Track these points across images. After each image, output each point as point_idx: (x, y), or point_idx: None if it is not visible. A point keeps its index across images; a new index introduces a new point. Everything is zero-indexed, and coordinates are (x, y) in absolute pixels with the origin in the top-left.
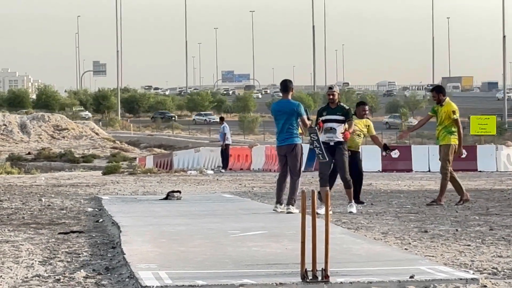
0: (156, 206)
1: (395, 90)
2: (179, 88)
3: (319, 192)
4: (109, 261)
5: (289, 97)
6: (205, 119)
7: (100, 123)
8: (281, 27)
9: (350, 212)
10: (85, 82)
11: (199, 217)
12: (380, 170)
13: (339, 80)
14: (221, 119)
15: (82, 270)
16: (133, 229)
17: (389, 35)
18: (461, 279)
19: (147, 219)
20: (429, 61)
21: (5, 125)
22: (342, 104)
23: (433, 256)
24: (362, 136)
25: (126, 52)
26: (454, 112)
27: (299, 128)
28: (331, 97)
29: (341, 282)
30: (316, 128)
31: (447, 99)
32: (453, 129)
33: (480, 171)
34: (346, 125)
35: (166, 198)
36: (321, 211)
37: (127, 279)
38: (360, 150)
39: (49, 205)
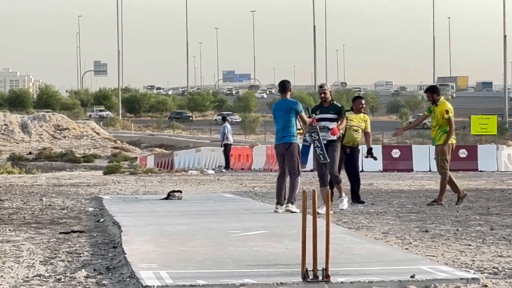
0: (157, 206)
1: (392, 90)
2: (182, 88)
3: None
4: (110, 261)
5: (288, 96)
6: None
7: (101, 122)
8: (281, 27)
9: (341, 210)
10: (86, 82)
11: (200, 216)
12: (381, 170)
13: (340, 79)
14: (224, 118)
15: (83, 270)
16: (134, 228)
17: (390, 35)
18: (462, 278)
19: (148, 219)
20: (430, 61)
21: (6, 125)
22: (335, 102)
23: (434, 256)
24: (360, 131)
25: (127, 52)
26: (447, 111)
27: (300, 128)
28: (322, 95)
29: (342, 282)
30: (317, 127)
31: (442, 98)
32: (448, 128)
33: (481, 171)
34: (339, 122)
35: (167, 198)
36: (322, 210)
37: (128, 279)
38: (359, 148)
39: (50, 205)
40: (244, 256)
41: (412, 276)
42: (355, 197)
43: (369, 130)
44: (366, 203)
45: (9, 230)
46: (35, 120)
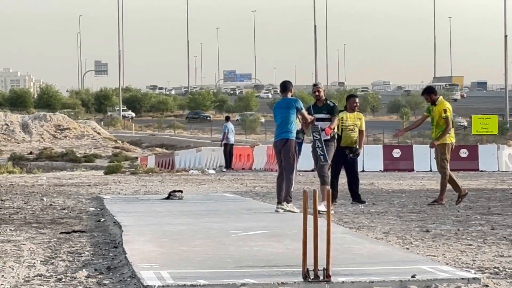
0: (157, 205)
1: (390, 89)
2: (184, 87)
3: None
4: (111, 261)
5: (288, 96)
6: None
7: (102, 122)
8: (282, 26)
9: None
10: (86, 82)
11: (200, 216)
12: (382, 169)
13: (341, 79)
14: (227, 118)
15: (84, 270)
16: (134, 228)
17: (391, 34)
18: (462, 278)
19: (149, 219)
20: (430, 61)
21: (7, 124)
22: (328, 101)
23: (434, 256)
24: (356, 130)
25: (128, 52)
26: (445, 111)
27: (301, 126)
28: (316, 93)
29: (343, 282)
30: (319, 127)
31: (440, 98)
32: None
33: (481, 171)
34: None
35: (167, 198)
36: (321, 207)
37: (128, 279)
38: (357, 147)
39: (51, 205)
40: (245, 256)
41: (413, 276)
42: (355, 197)
43: (363, 128)
44: (366, 203)
45: (10, 230)
46: (35, 120)
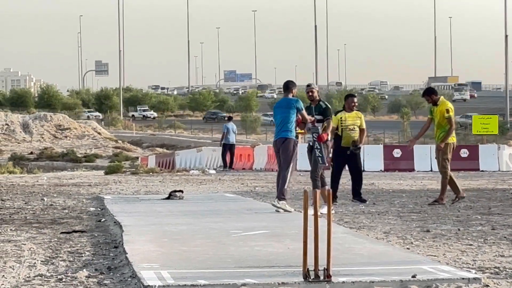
0: (158, 205)
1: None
2: (186, 87)
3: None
4: (111, 261)
5: (290, 96)
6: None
7: (102, 122)
8: (283, 26)
9: (321, 213)
10: (87, 82)
11: (201, 216)
12: (382, 169)
13: (342, 79)
14: (229, 118)
15: (84, 270)
16: (135, 228)
17: (391, 34)
18: (463, 278)
19: (149, 219)
20: (431, 61)
21: (7, 124)
22: (321, 102)
23: (435, 256)
24: (357, 129)
25: (128, 52)
26: (447, 111)
27: (300, 128)
28: (310, 94)
29: (343, 282)
30: (318, 128)
31: (441, 98)
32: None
33: (482, 171)
34: (325, 124)
35: (168, 198)
36: (323, 210)
37: (129, 279)
38: (359, 146)
39: (51, 205)
40: (245, 256)
41: (414, 276)
42: (357, 195)
43: (364, 127)
44: (367, 202)
45: (11, 230)
46: (36, 120)
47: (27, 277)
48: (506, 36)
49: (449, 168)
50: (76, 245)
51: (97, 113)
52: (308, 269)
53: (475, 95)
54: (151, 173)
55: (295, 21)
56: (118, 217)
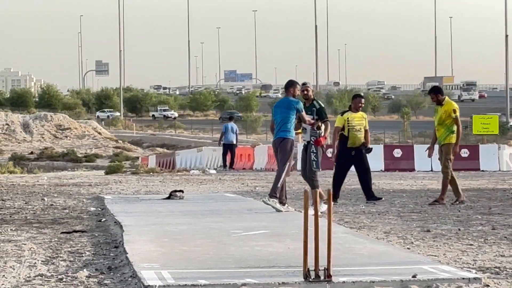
0: (158, 205)
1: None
2: (192, 87)
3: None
4: (112, 261)
5: (290, 96)
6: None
7: (103, 122)
8: (283, 26)
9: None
10: (87, 82)
11: (201, 216)
12: (383, 169)
13: (342, 78)
14: (230, 118)
15: (84, 270)
16: (135, 228)
17: (392, 34)
18: (463, 278)
19: (150, 219)
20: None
21: (7, 124)
22: (315, 101)
23: (435, 256)
24: (362, 130)
25: (129, 52)
26: (454, 111)
27: (296, 129)
28: (305, 92)
29: (344, 282)
30: (318, 132)
31: (447, 98)
32: (454, 128)
33: (482, 171)
34: (322, 127)
35: (168, 198)
36: (323, 208)
37: (129, 279)
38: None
39: (52, 205)
40: (246, 256)
41: (414, 276)
42: (370, 197)
43: (367, 127)
44: (383, 199)
45: (11, 229)
46: (36, 119)
47: (28, 277)
48: (507, 36)
49: (451, 168)
50: (77, 245)
51: (117, 113)
52: (308, 269)
53: (485, 95)
54: (151, 173)
55: (295, 21)
56: (118, 217)
